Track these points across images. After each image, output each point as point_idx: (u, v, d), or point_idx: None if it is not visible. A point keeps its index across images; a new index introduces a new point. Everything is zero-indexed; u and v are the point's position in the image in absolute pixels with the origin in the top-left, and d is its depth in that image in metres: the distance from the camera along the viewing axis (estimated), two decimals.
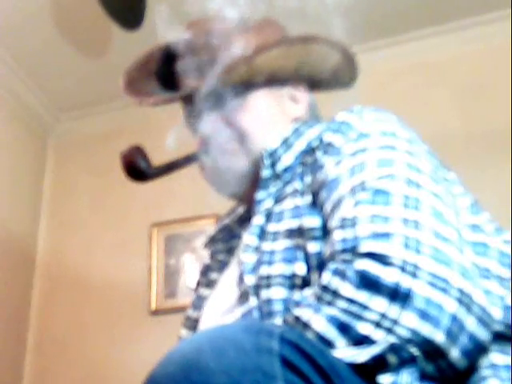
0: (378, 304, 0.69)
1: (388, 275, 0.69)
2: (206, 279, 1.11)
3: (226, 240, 1.12)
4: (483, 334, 0.70)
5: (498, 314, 0.72)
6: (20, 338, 2.72)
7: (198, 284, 1.13)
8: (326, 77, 1.11)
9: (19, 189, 2.88)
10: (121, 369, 2.56)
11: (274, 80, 1.05)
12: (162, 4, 1.03)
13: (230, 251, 1.10)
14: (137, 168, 1.03)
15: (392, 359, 0.66)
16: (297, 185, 0.92)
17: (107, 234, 2.86)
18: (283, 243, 0.86)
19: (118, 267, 2.76)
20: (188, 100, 1.05)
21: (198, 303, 1.08)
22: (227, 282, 1.00)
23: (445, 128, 2.45)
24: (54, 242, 2.94)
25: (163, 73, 1.08)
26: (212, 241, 1.15)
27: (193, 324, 1.06)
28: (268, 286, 0.84)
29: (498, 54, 2.57)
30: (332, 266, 0.75)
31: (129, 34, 2.33)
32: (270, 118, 1.05)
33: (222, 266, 1.09)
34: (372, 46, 2.67)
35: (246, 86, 1.03)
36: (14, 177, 2.85)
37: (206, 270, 1.13)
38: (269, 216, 0.92)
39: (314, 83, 1.11)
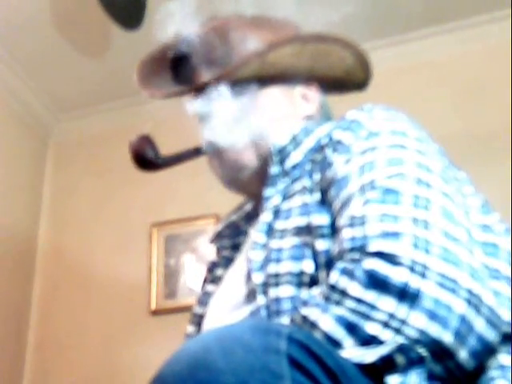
0: (387, 304, 0.68)
1: (397, 275, 0.69)
2: (212, 275, 1.11)
3: (232, 236, 1.13)
4: (492, 335, 0.70)
5: (506, 315, 0.72)
6: (20, 338, 2.71)
7: (205, 280, 1.13)
8: (338, 77, 1.11)
9: (19, 189, 2.88)
10: (121, 369, 2.55)
11: (287, 78, 1.05)
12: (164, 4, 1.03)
13: (236, 248, 1.10)
14: (145, 157, 1.04)
15: (400, 360, 0.66)
16: (305, 182, 0.92)
17: (107, 234, 2.85)
18: (291, 241, 0.86)
19: (118, 267, 2.75)
20: (199, 93, 1.05)
21: (204, 299, 1.08)
22: (233, 279, 1.00)
23: (445, 128, 2.44)
24: (53, 242, 2.93)
25: (175, 67, 1.08)
26: (218, 237, 1.15)
27: (199, 320, 1.06)
28: (276, 284, 0.83)
29: (497, 54, 2.57)
30: (340, 265, 0.74)
31: (129, 33, 2.32)
32: (280, 115, 1.05)
33: (227, 262, 1.09)
34: (372, 45, 2.66)
35: (259, 81, 1.03)
36: (14, 177, 2.84)
37: (212, 267, 1.13)
38: (277, 213, 0.92)
39: (327, 84, 1.11)
